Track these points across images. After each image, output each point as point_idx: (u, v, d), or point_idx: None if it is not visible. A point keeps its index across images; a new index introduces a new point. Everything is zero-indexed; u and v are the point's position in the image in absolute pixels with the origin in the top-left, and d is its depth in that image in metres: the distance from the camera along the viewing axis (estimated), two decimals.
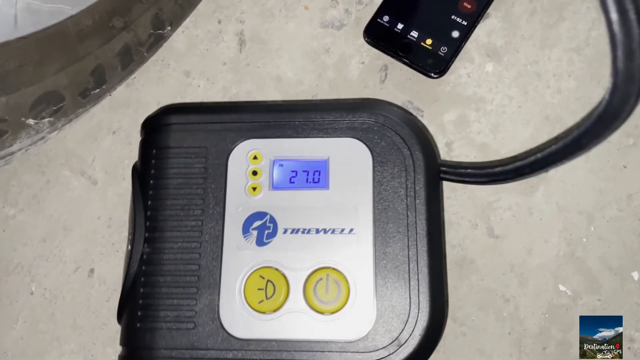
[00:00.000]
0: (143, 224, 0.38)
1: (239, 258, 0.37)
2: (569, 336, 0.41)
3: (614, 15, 0.18)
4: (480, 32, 0.47)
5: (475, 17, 0.46)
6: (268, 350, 0.35)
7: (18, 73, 0.35)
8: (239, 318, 0.36)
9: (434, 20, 0.46)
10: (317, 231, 0.37)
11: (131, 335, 0.37)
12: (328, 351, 0.35)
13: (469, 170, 0.38)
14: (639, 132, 0.44)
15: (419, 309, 0.35)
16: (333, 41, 0.48)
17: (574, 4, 0.46)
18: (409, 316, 0.35)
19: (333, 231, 0.37)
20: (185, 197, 0.39)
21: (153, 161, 0.40)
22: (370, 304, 0.36)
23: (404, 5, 0.47)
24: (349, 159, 0.39)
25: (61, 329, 0.44)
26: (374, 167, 0.38)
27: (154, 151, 0.40)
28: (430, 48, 0.45)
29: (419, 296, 0.35)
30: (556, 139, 0.28)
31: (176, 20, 0.47)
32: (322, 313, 0.36)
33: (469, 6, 0.46)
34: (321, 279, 0.37)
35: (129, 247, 0.39)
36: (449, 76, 0.46)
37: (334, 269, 0.37)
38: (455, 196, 0.44)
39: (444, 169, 0.39)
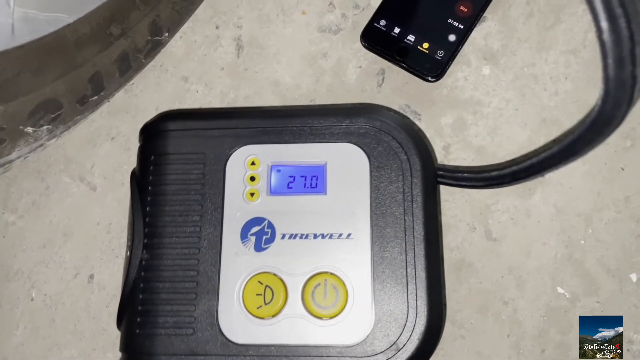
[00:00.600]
0: (142, 230, 0.39)
1: (238, 264, 0.37)
2: (567, 338, 0.41)
3: (604, 24, 0.18)
4: (477, 35, 0.47)
5: (471, 21, 0.46)
6: (267, 356, 0.36)
7: (16, 81, 0.35)
8: (237, 323, 0.36)
9: (431, 24, 0.46)
10: (315, 236, 0.38)
11: (130, 341, 0.37)
12: (326, 356, 0.35)
13: (465, 175, 0.38)
14: (636, 135, 0.44)
15: (416, 313, 0.35)
16: (330, 45, 0.48)
17: (571, 6, 0.47)
18: (407, 320, 0.35)
19: (331, 236, 0.37)
20: (183, 203, 0.39)
21: (151, 167, 0.40)
22: (368, 309, 0.36)
23: (400, 9, 0.47)
24: (346, 164, 0.39)
25: (61, 334, 0.45)
26: (371, 171, 0.38)
27: (152, 157, 0.40)
28: (427, 52, 0.45)
29: (416, 300, 0.36)
30: (554, 142, 0.29)
31: (174, 26, 0.47)
32: (320, 318, 0.36)
33: (466, 10, 0.46)
34: (319, 284, 0.37)
35: (128, 253, 0.39)
36: (446, 79, 0.46)
37: (332, 274, 0.37)
38: (454, 199, 0.44)
39: (440, 173, 0.39)
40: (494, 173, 0.35)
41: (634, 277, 0.42)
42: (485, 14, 0.47)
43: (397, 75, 0.47)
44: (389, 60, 0.46)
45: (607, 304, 0.41)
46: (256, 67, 0.49)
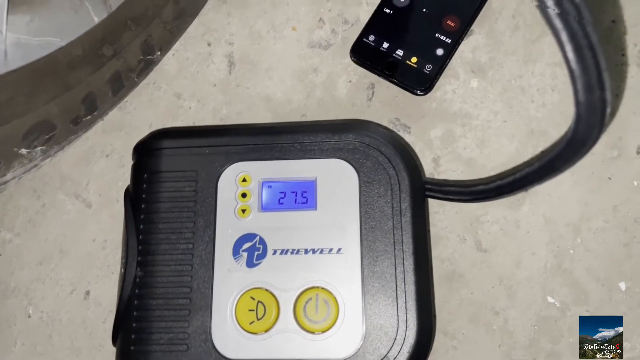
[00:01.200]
0: (136, 248, 0.39)
1: (230, 280, 0.38)
2: (558, 347, 0.41)
3: (571, 55, 0.18)
4: (465, 48, 0.47)
5: (459, 35, 0.47)
6: None
7: (9, 105, 0.36)
8: (230, 339, 0.37)
9: (419, 39, 0.47)
10: (306, 251, 0.38)
11: (126, 357, 0.38)
12: None
13: (452, 188, 0.38)
14: (622, 144, 0.44)
15: (406, 327, 0.36)
16: (321, 61, 0.49)
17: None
18: (397, 334, 0.36)
19: (322, 251, 0.38)
20: (176, 220, 0.39)
21: (144, 185, 0.41)
22: (359, 323, 0.37)
23: (389, 24, 0.48)
24: (336, 179, 0.39)
25: (59, 350, 0.45)
26: (360, 186, 0.39)
27: (145, 175, 0.41)
28: (416, 66, 0.46)
29: (406, 314, 0.36)
30: (542, 153, 0.29)
31: (166, 45, 0.48)
32: (312, 332, 0.37)
33: (453, 24, 0.47)
34: (311, 298, 0.37)
35: (122, 271, 0.39)
36: (435, 93, 0.47)
37: (323, 288, 0.37)
38: (444, 211, 0.44)
39: (429, 186, 0.40)
40: (480, 187, 0.36)
41: (622, 285, 0.42)
42: (472, 28, 0.47)
43: (386, 89, 0.47)
44: (379, 75, 0.47)
45: (596, 313, 0.41)
46: (248, 83, 0.49)
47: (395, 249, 0.37)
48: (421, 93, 0.46)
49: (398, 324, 0.36)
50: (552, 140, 0.45)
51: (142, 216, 0.40)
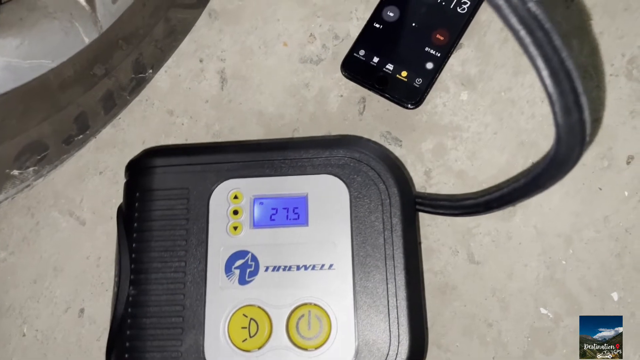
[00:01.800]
0: (128, 266, 0.39)
1: (223, 297, 0.38)
2: (552, 358, 0.41)
3: (548, 80, 0.19)
4: (455, 61, 0.48)
5: (448, 48, 0.47)
6: None
7: (1, 127, 0.36)
8: (223, 357, 0.37)
9: (409, 53, 0.47)
10: (298, 268, 0.38)
11: None
12: None
13: (442, 203, 0.39)
14: (612, 155, 0.44)
15: (399, 342, 0.36)
16: (312, 75, 0.49)
17: None
18: (389, 349, 0.36)
19: (313, 267, 0.38)
20: (169, 238, 0.40)
21: (137, 204, 0.41)
22: (351, 339, 0.37)
23: (379, 39, 0.48)
24: (327, 195, 0.39)
25: None
26: (351, 202, 0.39)
27: (138, 194, 0.41)
28: (406, 80, 0.46)
29: (398, 329, 0.36)
30: (534, 164, 0.29)
31: (157, 62, 0.48)
32: (305, 349, 0.37)
33: (442, 38, 0.47)
34: (303, 315, 0.37)
35: (116, 289, 0.40)
36: (426, 106, 0.47)
37: (315, 304, 0.38)
38: (436, 224, 0.44)
39: (419, 200, 0.40)
40: (469, 201, 0.36)
41: (615, 296, 0.42)
42: (461, 41, 0.48)
43: (377, 103, 0.48)
44: (369, 89, 0.47)
45: None
46: (240, 99, 0.50)
47: (386, 264, 0.37)
48: (412, 107, 0.46)
49: (390, 339, 0.36)
50: (543, 151, 0.45)
51: (134, 234, 0.40)
